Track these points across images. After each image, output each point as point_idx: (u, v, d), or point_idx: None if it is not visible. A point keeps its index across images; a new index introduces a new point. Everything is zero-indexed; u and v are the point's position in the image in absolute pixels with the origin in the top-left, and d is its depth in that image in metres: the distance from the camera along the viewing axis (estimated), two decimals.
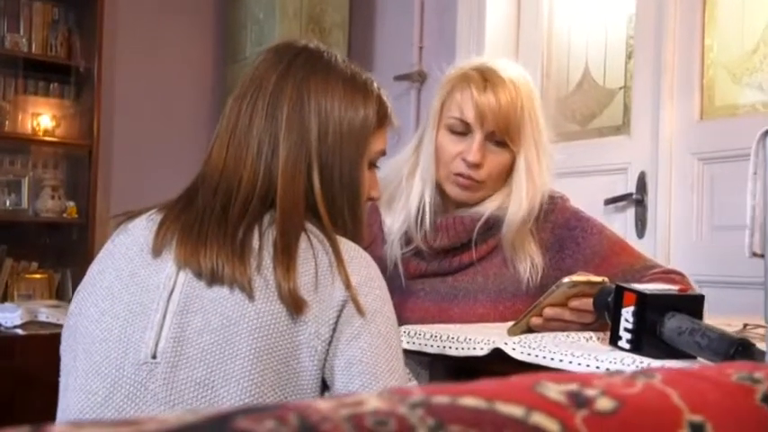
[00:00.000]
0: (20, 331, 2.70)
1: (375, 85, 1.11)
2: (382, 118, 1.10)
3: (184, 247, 0.97)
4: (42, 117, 3.35)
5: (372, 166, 1.12)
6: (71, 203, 3.32)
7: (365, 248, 1.04)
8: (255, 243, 0.96)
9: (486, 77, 1.42)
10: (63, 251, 3.36)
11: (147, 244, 1.01)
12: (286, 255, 0.94)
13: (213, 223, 0.98)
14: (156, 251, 0.99)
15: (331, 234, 0.99)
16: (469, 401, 0.38)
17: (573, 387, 0.41)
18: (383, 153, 1.14)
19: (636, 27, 2.48)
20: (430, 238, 1.45)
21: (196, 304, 0.94)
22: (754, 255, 0.79)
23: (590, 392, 0.41)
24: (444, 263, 1.46)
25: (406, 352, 1.24)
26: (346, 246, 1.00)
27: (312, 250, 0.96)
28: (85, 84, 3.35)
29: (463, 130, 1.43)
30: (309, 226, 1.00)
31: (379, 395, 0.38)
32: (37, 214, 3.29)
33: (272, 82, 1.04)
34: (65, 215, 3.30)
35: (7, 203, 3.29)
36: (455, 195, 1.46)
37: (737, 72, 2.24)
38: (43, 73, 3.37)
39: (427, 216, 1.44)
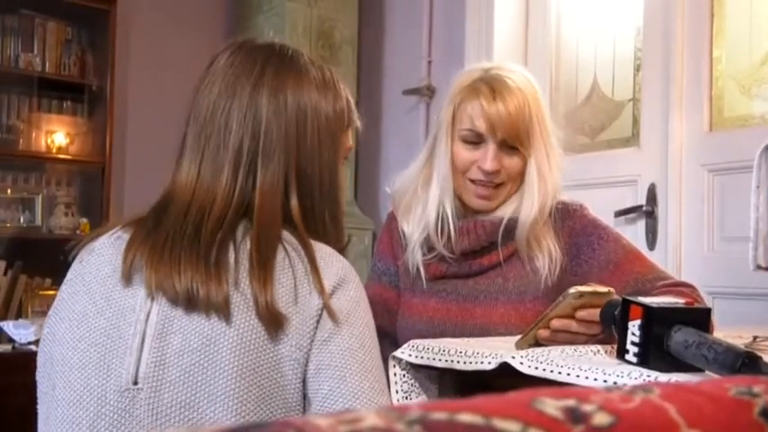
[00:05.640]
0: (34, 347, 2.72)
1: (340, 82, 1.10)
2: (350, 114, 1.10)
3: (155, 271, 0.93)
4: (56, 135, 3.38)
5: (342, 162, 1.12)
6: (84, 220, 3.34)
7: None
8: (231, 257, 0.94)
9: (493, 88, 1.46)
10: None
11: (117, 265, 0.97)
12: (262, 269, 0.92)
13: (185, 245, 0.94)
14: (126, 277, 0.95)
15: (306, 240, 0.97)
16: (466, 417, 0.38)
17: (570, 402, 0.42)
18: (349, 151, 1.13)
19: (644, 39, 2.48)
20: (452, 242, 1.49)
21: (174, 325, 0.91)
22: (759, 268, 0.79)
23: (587, 408, 0.41)
24: (465, 266, 1.51)
25: (415, 366, 1.25)
26: (320, 251, 0.98)
27: (288, 260, 0.95)
28: (98, 101, 3.39)
29: (476, 140, 1.48)
30: (285, 234, 0.97)
31: (378, 412, 0.38)
32: (50, 231, 3.32)
33: (247, 91, 1.01)
34: (78, 232, 3.32)
35: (21, 220, 3.32)
36: (475, 206, 1.51)
37: (746, 83, 2.24)
38: (57, 91, 3.42)
39: (450, 224, 1.49)
